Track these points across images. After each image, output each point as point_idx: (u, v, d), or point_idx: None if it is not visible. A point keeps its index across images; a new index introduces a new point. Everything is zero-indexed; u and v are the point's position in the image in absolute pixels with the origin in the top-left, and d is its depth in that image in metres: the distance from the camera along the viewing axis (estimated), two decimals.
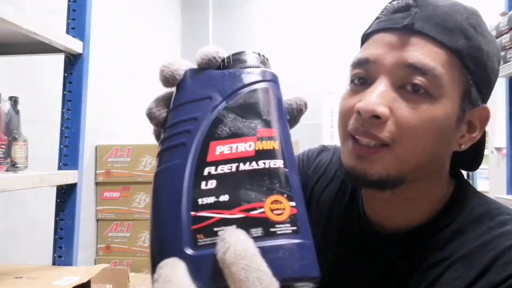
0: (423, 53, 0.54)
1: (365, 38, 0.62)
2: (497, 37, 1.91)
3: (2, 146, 1.11)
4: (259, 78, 0.39)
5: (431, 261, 0.57)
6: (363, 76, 0.58)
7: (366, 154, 0.55)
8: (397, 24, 0.56)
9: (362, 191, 0.66)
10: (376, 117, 0.54)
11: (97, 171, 2.51)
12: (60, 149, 1.38)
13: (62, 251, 1.35)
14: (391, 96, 0.55)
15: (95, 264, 2.41)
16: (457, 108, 0.56)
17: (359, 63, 0.59)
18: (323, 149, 0.79)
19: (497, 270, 0.51)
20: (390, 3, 0.60)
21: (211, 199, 0.33)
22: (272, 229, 0.32)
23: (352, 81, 0.60)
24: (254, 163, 0.34)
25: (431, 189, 0.61)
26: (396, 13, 0.57)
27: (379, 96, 0.54)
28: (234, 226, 0.31)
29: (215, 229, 0.32)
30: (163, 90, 0.41)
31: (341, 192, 0.70)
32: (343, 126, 0.59)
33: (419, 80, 0.54)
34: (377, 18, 0.62)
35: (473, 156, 0.63)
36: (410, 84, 0.54)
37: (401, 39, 0.55)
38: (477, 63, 0.56)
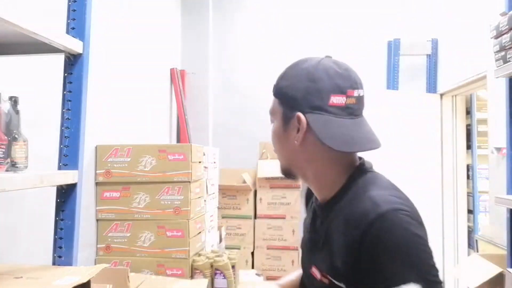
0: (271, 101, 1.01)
1: None
2: (497, 37, 1.91)
3: (2, 146, 1.11)
4: None
5: (337, 222, 0.90)
6: None
7: None
8: None
9: None
10: None
11: (97, 171, 2.51)
12: (60, 149, 1.38)
13: (62, 251, 1.35)
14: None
15: (95, 264, 2.41)
16: (281, 122, 0.97)
17: None
18: None
19: (367, 230, 0.81)
20: None
21: None
22: None
23: None
24: None
25: (320, 174, 0.96)
26: None
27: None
28: None
29: None
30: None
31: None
32: None
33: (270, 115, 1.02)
34: None
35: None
36: None
37: None
38: (281, 94, 0.97)
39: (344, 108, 0.91)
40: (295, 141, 0.93)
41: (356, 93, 0.92)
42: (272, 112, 1.00)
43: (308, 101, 0.91)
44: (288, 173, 1.01)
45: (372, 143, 0.92)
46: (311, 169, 0.96)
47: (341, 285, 0.86)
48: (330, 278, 0.89)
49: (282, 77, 0.99)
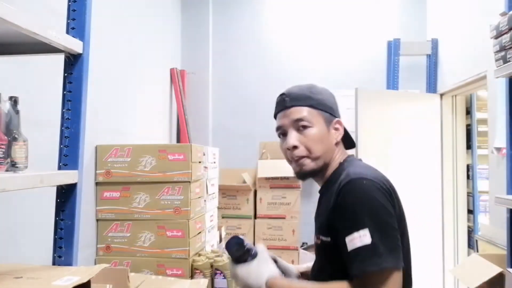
0: (297, 112, 1.23)
1: (275, 115, 1.29)
2: (497, 37, 1.91)
3: (2, 146, 1.11)
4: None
5: (328, 193, 1.20)
6: (282, 132, 1.27)
7: (300, 164, 1.23)
8: (282, 107, 1.26)
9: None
10: (295, 147, 1.22)
11: (97, 171, 2.51)
12: (60, 149, 1.38)
13: (62, 251, 1.35)
14: (296, 135, 1.23)
15: (95, 264, 2.41)
16: (324, 125, 1.23)
17: (279, 128, 1.27)
18: None
19: (339, 193, 1.12)
20: (277, 98, 1.29)
21: None
22: None
23: (279, 135, 1.29)
24: None
25: (330, 165, 1.26)
26: (280, 102, 1.27)
27: (292, 138, 1.22)
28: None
29: None
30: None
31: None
32: (286, 157, 1.27)
33: (302, 123, 1.22)
34: (276, 105, 1.29)
35: (350, 140, 1.33)
36: (301, 126, 1.22)
37: (287, 112, 1.25)
38: (322, 105, 1.24)
39: None
40: (334, 139, 1.25)
41: None
42: (310, 119, 1.23)
43: (337, 111, 1.29)
44: (314, 173, 1.25)
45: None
46: (331, 161, 1.26)
47: (327, 239, 1.15)
48: (320, 237, 1.19)
49: (315, 93, 1.26)
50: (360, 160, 1.30)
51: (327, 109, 1.24)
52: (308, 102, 1.23)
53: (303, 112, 1.22)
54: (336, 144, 1.26)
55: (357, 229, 1.03)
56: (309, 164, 1.22)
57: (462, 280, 2.48)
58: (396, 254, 1.03)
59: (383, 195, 1.08)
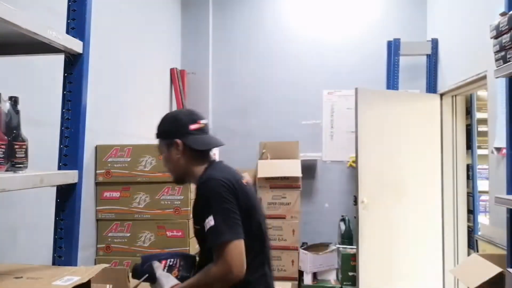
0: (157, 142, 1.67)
1: None
2: (497, 37, 1.91)
3: (2, 146, 1.11)
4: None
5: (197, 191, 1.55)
6: None
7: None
8: None
9: None
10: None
11: (97, 171, 2.51)
12: (60, 149, 1.38)
13: (62, 251, 1.35)
14: None
15: (95, 264, 2.41)
16: (166, 150, 1.60)
17: None
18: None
19: (197, 191, 1.54)
20: None
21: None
22: None
23: None
24: None
25: (193, 172, 1.59)
26: None
27: None
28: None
29: None
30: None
31: None
32: None
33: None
34: None
35: (199, 150, 1.59)
36: None
37: None
38: (162, 134, 1.61)
39: (200, 130, 1.58)
40: (177, 156, 1.56)
41: (203, 121, 1.60)
42: (159, 147, 1.62)
43: (178, 132, 1.57)
44: (180, 181, 1.67)
45: (218, 143, 1.63)
46: (190, 170, 1.59)
47: (198, 227, 1.49)
48: (195, 226, 1.54)
49: (160, 125, 1.62)
50: (221, 162, 1.65)
51: (166, 135, 1.59)
52: (157, 136, 1.63)
53: (158, 143, 1.64)
54: (181, 158, 1.56)
55: (207, 216, 1.41)
56: (172, 178, 1.66)
57: (462, 280, 2.48)
58: (234, 230, 1.40)
59: (226, 189, 1.45)
